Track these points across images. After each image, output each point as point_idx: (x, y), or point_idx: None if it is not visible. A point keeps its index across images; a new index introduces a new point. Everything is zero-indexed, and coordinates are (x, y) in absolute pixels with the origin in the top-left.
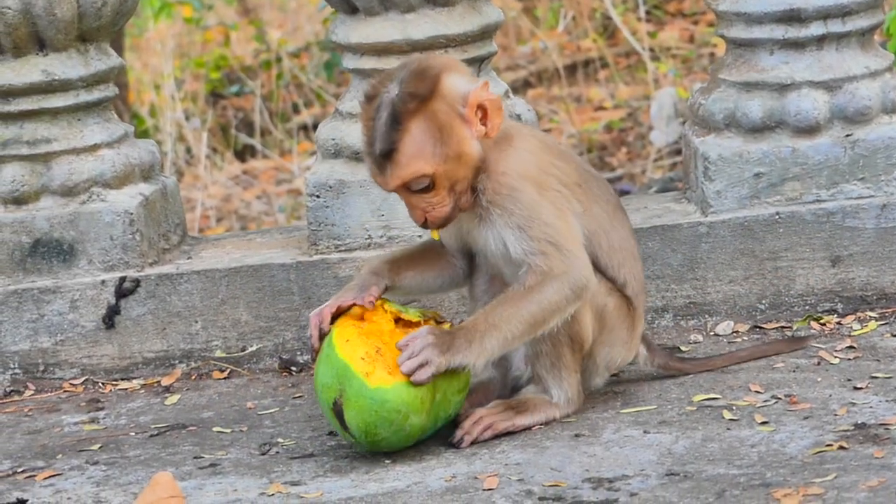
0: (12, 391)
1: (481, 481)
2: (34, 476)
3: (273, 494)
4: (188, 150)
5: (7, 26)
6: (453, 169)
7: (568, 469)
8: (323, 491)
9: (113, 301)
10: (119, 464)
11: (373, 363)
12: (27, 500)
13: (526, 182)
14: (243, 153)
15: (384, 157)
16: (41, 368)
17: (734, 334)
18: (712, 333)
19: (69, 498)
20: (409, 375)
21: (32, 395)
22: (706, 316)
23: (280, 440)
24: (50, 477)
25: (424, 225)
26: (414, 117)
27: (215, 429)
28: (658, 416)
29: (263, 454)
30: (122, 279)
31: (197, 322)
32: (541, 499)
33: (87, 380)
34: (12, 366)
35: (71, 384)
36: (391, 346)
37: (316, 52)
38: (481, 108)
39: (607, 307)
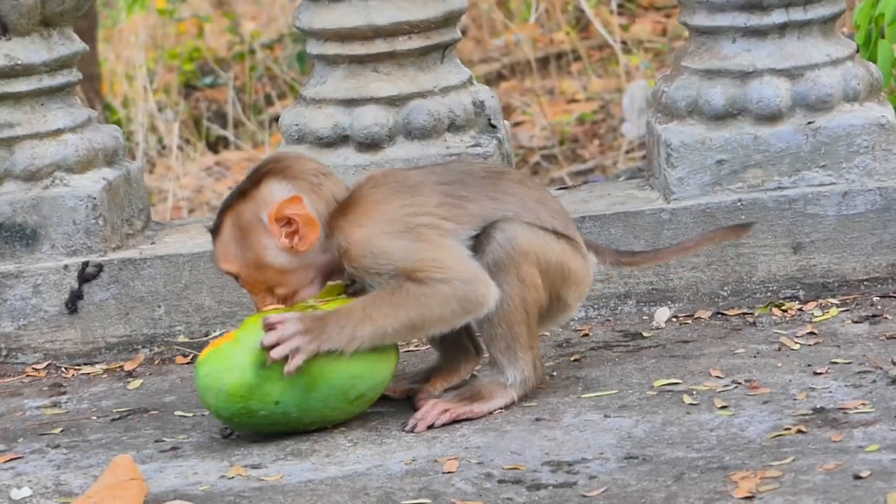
0: None
1: (441, 464)
2: None
3: (233, 477)
4: (160, 141)
5: None
6: (257, 274)
7: (528, 452)
8: (283, 474)
9: (76, 286)
10: (80, 447)
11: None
12: None
13: (381, 240)
14: (216, 145)
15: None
16: (3, 353)
17: (698, 320)
18: (674, 319)
19: (29, 480)
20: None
21: None
22: (668, 302)
23: None
24: (10, 460)
25: None
26: (227, 214)
27: (177, 413)
28: (619, 401)
29: (225, 437)
30: (85, 264)
31: (160, 307)
32: (500, 481)
33: (49, 364)
34: None
35: (34, 369)
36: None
37: (289, 43)
38: (289, 221)
39: (565, 253)
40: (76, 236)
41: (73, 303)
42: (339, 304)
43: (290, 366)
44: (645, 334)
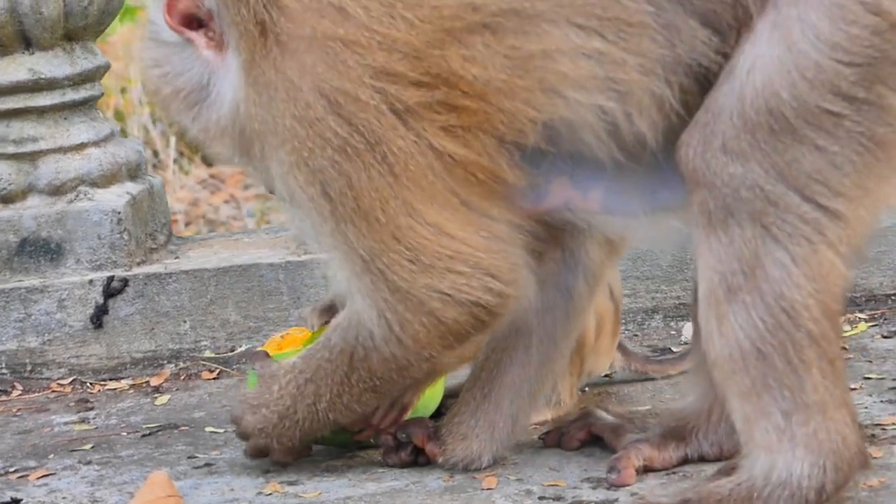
0: (0, 391)
1: (480, 481)
2: (27, 476)
3: (270, 494)
4: (155, 154)
5: None
6: None
7: (566, 469)
8: (321, 490)
9: (101, 300)
10: (112, 463)
11: (270, 344)
12: (21, 500)
13: None
14: (210, 157)
15: None
16: (28, 368)
17: None
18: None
19: (64, 497)
20: None
21: (20, 395)
22: None
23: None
24: (43, 476)
25: None
26: None
27: (208, 429)
28: (652, 418)
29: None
30: (111, 279)
31: (185, 322)
32: (540, 498)
33: (75, 380)
34: None
35: (59, 384)
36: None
37: None
38: None
39: (607, 312)
40: (101, 251)
41: (99, 318)
42: None
43: None
44: (674, 349)
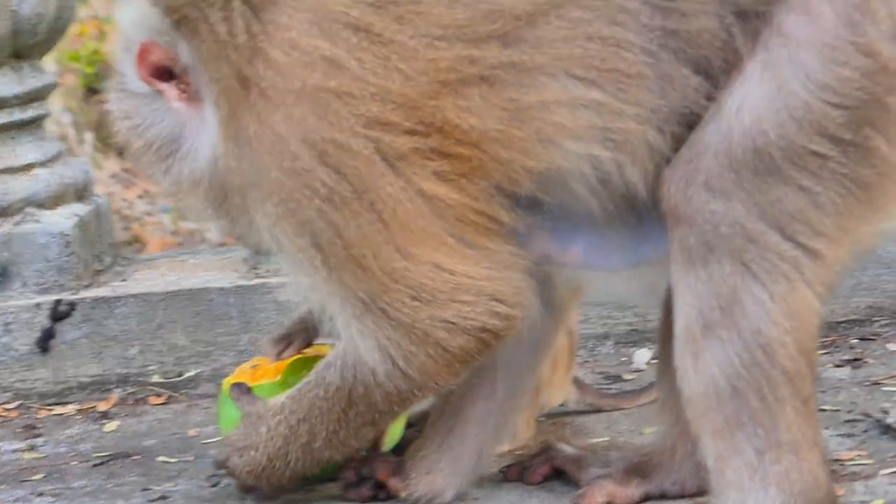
0: None
1: None
2: None
3: None
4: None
5: None
6: None
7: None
8: None
9: (48, 324)
10: (65, 495)
11: (242, 374)
12: None
13: None
14: (123, 150)
15: None
16: None
17: None
18: (654, 361)
19: None
20: None
21: None
22: (648, 343)
23: None
24: None
25: None
26: None
27: (160, 458)
28: (615, 450)
29: (213, 486)
30: (58, 302)
31: (133, 346)
32: None
33: (20, 404)
34: None
35: (4, 409)
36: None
37: None
38: None
39: (563, 346)
40: (48, 274)
41: (45, 342)
42: None
43: None
44: (626, 377)
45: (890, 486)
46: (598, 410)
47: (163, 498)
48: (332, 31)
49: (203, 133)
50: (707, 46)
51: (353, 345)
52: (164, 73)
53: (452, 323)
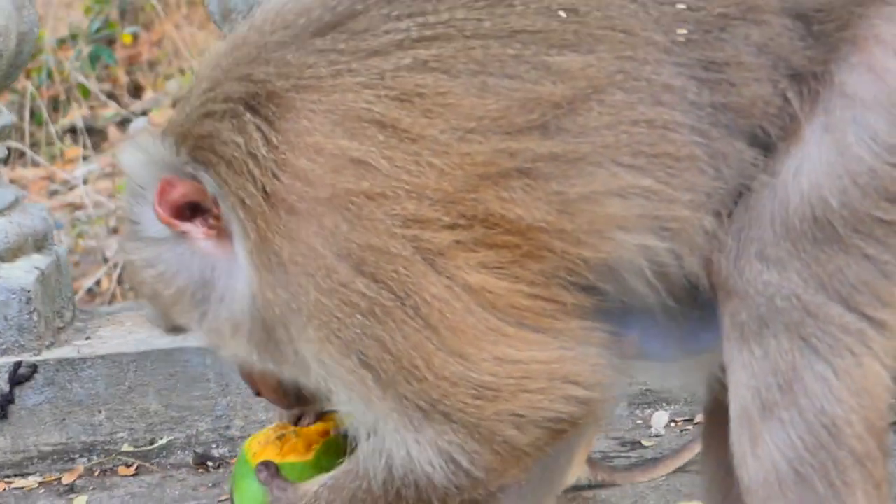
0: None
1: None
2: None
3: None
4: None
5: None
6: None
7: None
8: None
9: (6, 389)
10: None
11: (268, 445)
12: None
13: None
14: (6, 160)
15: None
16: None
17: (699, 425)
18: (672, 424)
19: None
20: None
21: None
22: (664, 404)
23: None
24: None
25: None
26: None
27: None
28: None
29: None
30: (18, 364)
31: (101, 412)
32: None
33: None
34: None
35: None
36: (299, 434)
37: (81, 43)
38: None
39: None
40: (7, 333)
41: (4, 408)
42: None
43: None
44: (645, 443)
45: None
46: (613, 484)
47: None
48: (358, 129)
49: (236, 270)
50: (761, 115)
51: (405, 451)
52: (186, 212)
53: (521, 416)
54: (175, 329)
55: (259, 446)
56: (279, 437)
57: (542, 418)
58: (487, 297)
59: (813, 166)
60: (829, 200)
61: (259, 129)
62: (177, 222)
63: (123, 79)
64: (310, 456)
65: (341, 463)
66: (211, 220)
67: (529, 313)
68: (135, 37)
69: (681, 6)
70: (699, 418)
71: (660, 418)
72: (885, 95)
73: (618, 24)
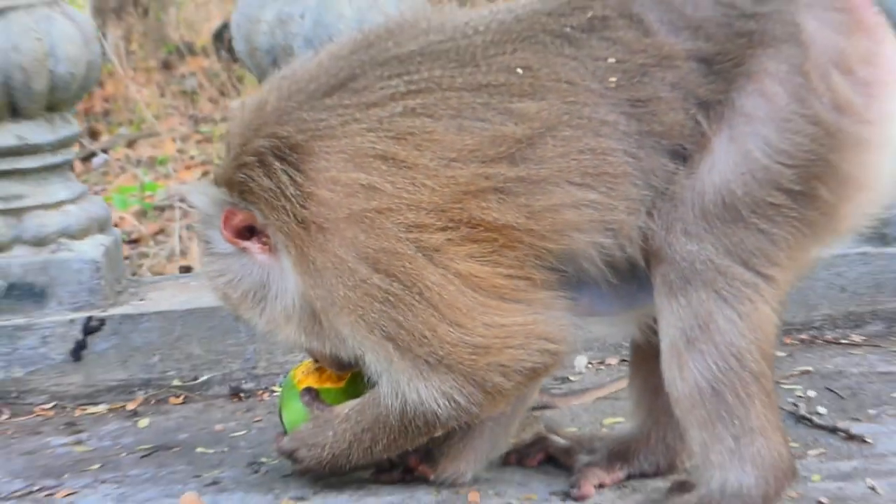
0: None
1: (464, 496)
2: (53, 494)
3: None
4: None
5: None
6: None
7: (532, 484)
8: None
9: (81, 337)
10: (127, 482)
11: (309, 374)
12: None
13: None
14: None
15: None
16: (14, 395)
17: (609, 365)
18: (590, 365)
19: None
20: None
21: (8, 418)
22: (583, 350)
23: (264, 460)
24: (68, 495)
25: None
26: None
27: (198, 450)
28: (598, 440)
29: (255, 472)
30: (89, 319)
31: (155, 355)
32: None
33: (56, 405)
34: None
35: (42, 409)
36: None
37: None
38: None
39: None
40: (81, 295)
41: (78, 352)
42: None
43: None
44: (571, 378)
45: (821, 465)
46: (554, 407)
47: (215, 483)
48: (365, 163)
49: (285, 275)
50: (679, 136)
51: (416, 393)
52: (245, 233)
53: (507, 366)
54: (240, 321)
55: (302, 375)
56: (317, 369)
57: (523, 367)
58: (474, 280)
59: (722, 167)
60: (734, 190)
61: (286, 172)
62: (239, 241)
63: (83, 125)
64: (342, 384)
65: (365, 392)
66: (264, 238)
67: (507, 289)
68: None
69: (611, 60)
70: (609, 360)
71: (580, 361)
72: (774, 113)
73: (562, 76)
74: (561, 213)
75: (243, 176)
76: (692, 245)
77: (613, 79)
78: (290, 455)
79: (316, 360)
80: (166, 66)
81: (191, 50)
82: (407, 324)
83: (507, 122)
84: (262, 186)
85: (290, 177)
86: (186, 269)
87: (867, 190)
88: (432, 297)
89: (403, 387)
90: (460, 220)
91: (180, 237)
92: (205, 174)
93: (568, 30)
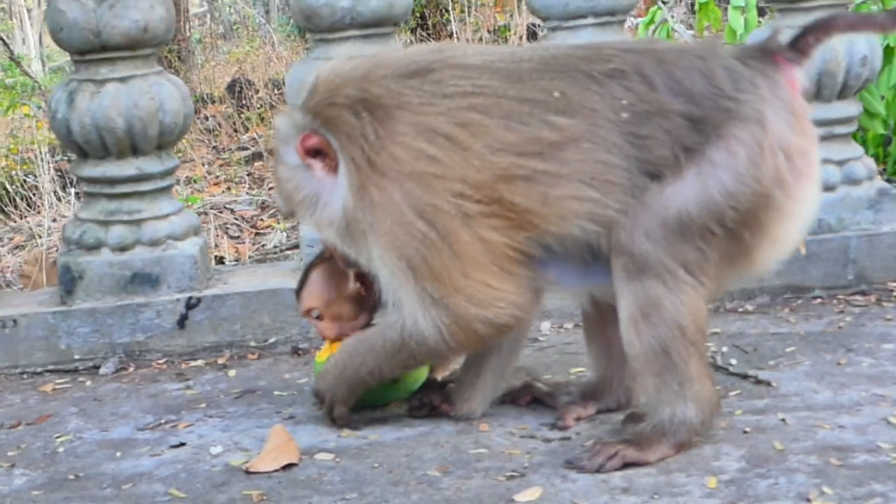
0: (120, 369)
1: (477, 426)
2: (176, 426)
3: (347, 437)
4: None
5: (117, 140)
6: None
7: (525, 418)
8: (378, 434)
9: (184, 311)
10: (228, 417)
11: (327, 350)
12: (185, 443)
13: None
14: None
15: None
16: (137, 353)
17: (568, 329)
18: (552, 328)
19: (213, 440)
20: None
21: (135, 370)
22: (547, 317)
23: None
24: (188, 426)
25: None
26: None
27: (275, 393)
28: (574, 385)
29: (320, 409)
30: (189, 298)
31: (237, 324)
32: (521, 436)
33: (167, 360)
34: (119, 352)
35: (158, 363)
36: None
37: None
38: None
39: None
40: (184, 280)
41: (182, 322)
42: None
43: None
44: (540, 339)
45: (740, 403)
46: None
47: (291, 417)
48: (432, 138)
49: (336, 192)
50: (663, 165)
51: (415, 319)
52: (313, 153)
53: (488, 318)
54: (291, 215)
55: (324, 351)
56: (331, 344)
57: (499, 322)
58: (490, 245)
59: (686, 193)
60: (691, 213)
61: (370, 123)
62: (307, 158)
63: None
64: None
65: None
66: (327, 161)
67: (508, 261)
68: None
69: (624, 101)
70: (567, 325)
71: (545, 325)
72: (734, 167)
73: (588, 104)
74: (569, 203)
75: (333, 112)
76: (650, 245)
77: (625, 115)
78: (316, 392)
79: (330, 256)
80: (195, 111)
81: (211, 99)
82: (431, 262)
83: (544, 129)
84: (347, 122)
85: (373, 127)
86: (220, 261)
87: (778, 245)
88: (458, 250)
89: (405, 312)
90: (492, 197)
91: (214, 236)
92: (227, 189)
93: (595, 73)
